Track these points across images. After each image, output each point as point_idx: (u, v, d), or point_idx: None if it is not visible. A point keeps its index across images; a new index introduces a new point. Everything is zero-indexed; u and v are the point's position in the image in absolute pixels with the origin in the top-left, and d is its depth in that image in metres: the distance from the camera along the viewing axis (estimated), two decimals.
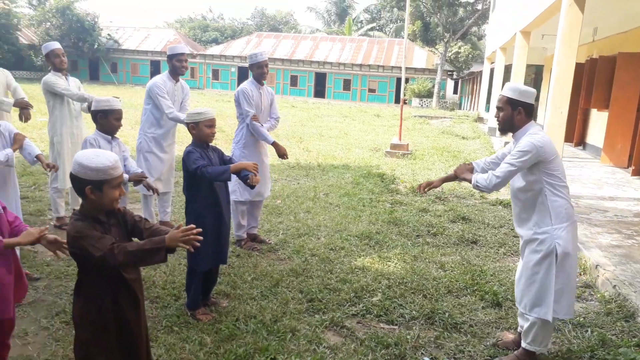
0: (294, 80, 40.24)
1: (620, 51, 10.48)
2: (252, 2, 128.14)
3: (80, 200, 5.58)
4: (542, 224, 3.01)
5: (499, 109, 3.15)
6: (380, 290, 4.13)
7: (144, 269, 4.21)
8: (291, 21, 60.44)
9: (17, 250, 2.71)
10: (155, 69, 41.42)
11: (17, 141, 3.58)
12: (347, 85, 39.33)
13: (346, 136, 15.06)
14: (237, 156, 4.91)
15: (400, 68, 35.75)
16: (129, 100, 21.75)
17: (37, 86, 23.75)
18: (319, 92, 39.78)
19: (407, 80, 36.19)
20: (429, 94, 35.64)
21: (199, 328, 3.42)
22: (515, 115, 3.07)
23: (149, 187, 3.90)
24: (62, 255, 2.41)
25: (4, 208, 2.49)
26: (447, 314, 3.74)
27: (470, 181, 3.17)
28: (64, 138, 5.25)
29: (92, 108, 3.66)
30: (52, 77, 5.17)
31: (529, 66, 20.18)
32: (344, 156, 11.16)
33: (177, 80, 5.26)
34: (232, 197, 4.89)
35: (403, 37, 12.27)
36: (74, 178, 2.07)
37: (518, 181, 3.09)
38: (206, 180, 3.43)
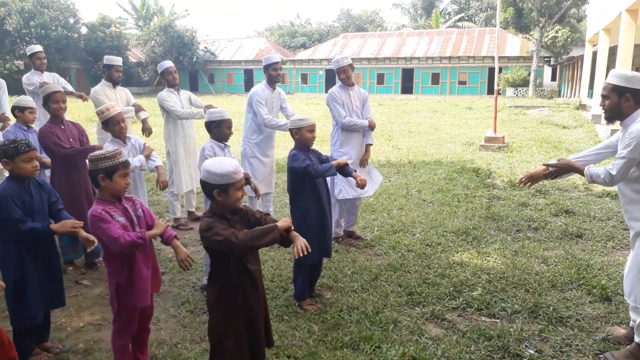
0: (380, 79, 40.13)
1: None
2: (337, 4, 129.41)
3: (194, 203, 6.13)
4: None
5: (604, 97, 3.07)
6: (480, 284, 4.15)
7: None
8: (377, 19, 60.25)
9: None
10: (248, 77, 43.36)
11: (146, 149, 4.33)
12: (435, 79, 38.47)
13: (437, 131, 14.85)
14: (336, 157, 5.15)
15: (492, 58, 34.33)
16: (226, 108, 23.05)
17: (145, 100, 25.97)
18: (407, 88, 39.31)
19: (500, 70, 34.62)
20: (525, 83, 33.82)
21: (307, 317, 3.69)
22: (623, 102, 2.98)
23: (256, 189, 4.27)
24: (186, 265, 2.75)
25: (143, 211, 2.91)
26: (551, 307, 3.69)
27: (581, 173, 3.11)
28: (179, 148, 5.82)
29: (206, 119, 4.07)
30: (164, 93, 5.76)
31: (638, 46, 18.51)
32: (435, 152, 11.06)
33: (274, 88, 5.59)
34: (340, 197, 5.16)
35: (494, 26, 11.84)
36: (203, 183, 2.41)
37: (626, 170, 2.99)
38: (315, 177, 3.71)
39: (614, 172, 2.90)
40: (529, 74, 33.47)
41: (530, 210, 6.29)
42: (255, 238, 2.32)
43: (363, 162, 5.35)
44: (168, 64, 5.86)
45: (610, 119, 3.10)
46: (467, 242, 5.23)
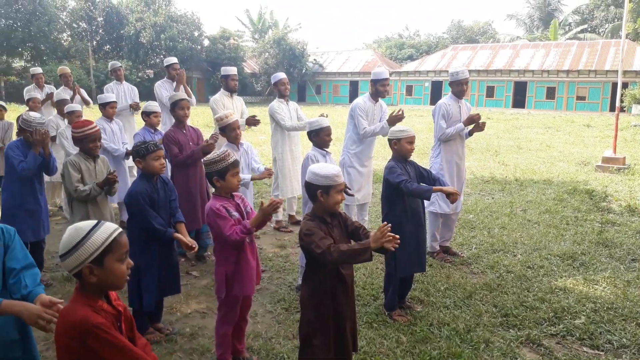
0: (490, 91, 38.54)
1: None
2: (448, 16, 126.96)
3: (294, 207, 6.41)
4: None
5: None
6: (584, 313, 3.91)
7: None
8: (489, 31, 58.01)
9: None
10: (353, 89, 43.95)
11: (267, 170, 4.56)
12: (550, 93, 36.09)
13: (549, 148, 13.98)
14: (436, 169, 5.14)
15: (617, 72, 31.51)
16: (330, 118, 23.64)
17: (257, 108, 27.49)
18: (518, 102, 37.33)
19: (625, 85, 31.66)
20: None
21: (396, 327, 3.73)
22: None
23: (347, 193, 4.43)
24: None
25: (251, 209, 3.18)
26: None
27: None
28: (285, 155, 6.15)
29: (307, 129, 4.29)
30: (275, 104, 6.11)
31: None
32: (545, 170, 10.44)
33: (376, 101, 5.69)
34: (430, 209, 5.14)
35: (620, 37, 10.90)
36: (308, 184, 2.60)
37: None
38: (407, 194, 3.75)
39: None
40: None
41: None
42: (349, 258, 2.45)
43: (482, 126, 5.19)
44: (281, 75, 6.22)
45: None
46: (574, 267, 4.92)
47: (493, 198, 8.01)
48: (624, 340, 3.49)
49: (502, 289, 4.40)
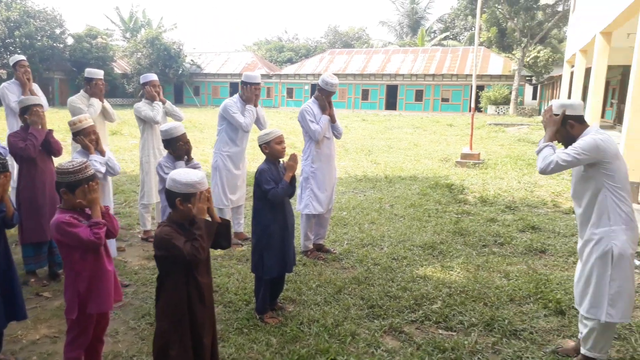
0: (365, 94, 40.54)
1: None
2: (325, 20, 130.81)
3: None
4: (599, 224, 2.99)
5: None
6: (440, 298, 4.22)
7: (218, 277, 4.61)
8: (363, 36, 60.95)
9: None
10: (234, 90, 43.38)
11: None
12: (419, 96, 38.97)
13: (416, 147, 15.03)
14: (307, 172, 5.22)
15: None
16: (210, 121, 23.07)
17: (128, 111, 25.92)
18: (391, 104, 39.76)
19: (482, 88, 35.21)
20: (506, 101, 34.41)
21: (266, 330, 3.70)
22: (569, 129, 3.09)
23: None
24: None
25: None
26: (507, 321, 3.76)
27: (545, 140, 3.16)
28: (151, 158, 5.81)
29: (162, 137, 4.08)
30: (141, 104, 5.75)
31: (613, 67, 19.02)
32: (412, 167, 11.20)
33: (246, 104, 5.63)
34: (305, 211, 5.20)
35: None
36: (167, 192, 2.50)
37: (579, 180, 3.10)
38: (275, 202, 3.76)
39: (561, 160, 2.99)
40: (510, 93, 34.07)
41: (498, 225, 6.40)
42: (207, 236, 2.44)
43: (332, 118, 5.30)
44: (153, 77, 5.82)
45: (566, 145, 3.15)
46: (433, 256, 5.31)
47: (365, 195, 8.38)
48: (473, 319, 3.82)
49: (369, 282, 4.59)
